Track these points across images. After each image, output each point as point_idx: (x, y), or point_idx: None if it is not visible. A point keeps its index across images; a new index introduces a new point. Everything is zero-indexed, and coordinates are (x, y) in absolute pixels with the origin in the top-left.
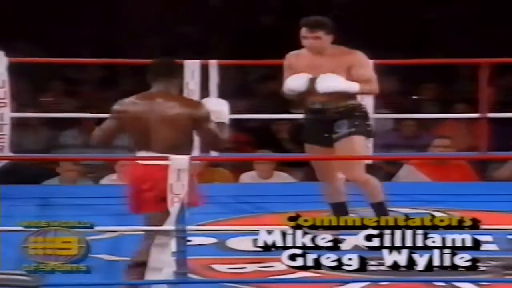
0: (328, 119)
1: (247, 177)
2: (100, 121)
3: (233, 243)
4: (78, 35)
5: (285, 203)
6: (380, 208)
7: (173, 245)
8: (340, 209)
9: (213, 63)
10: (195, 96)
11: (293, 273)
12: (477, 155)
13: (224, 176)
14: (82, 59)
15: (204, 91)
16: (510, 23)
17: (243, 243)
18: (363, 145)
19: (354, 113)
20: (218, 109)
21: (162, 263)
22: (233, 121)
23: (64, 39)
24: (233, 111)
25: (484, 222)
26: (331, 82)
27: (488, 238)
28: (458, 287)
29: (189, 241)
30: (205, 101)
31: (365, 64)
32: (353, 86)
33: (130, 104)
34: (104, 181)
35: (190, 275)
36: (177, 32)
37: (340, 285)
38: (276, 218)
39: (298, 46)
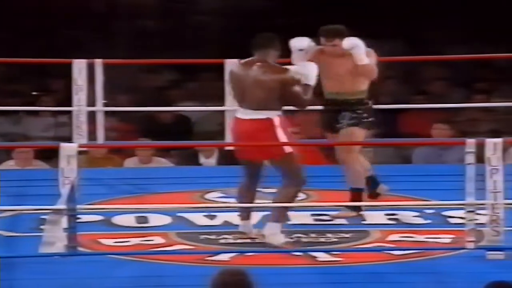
0: (336, 109)
1: (130, 162)
2: None
3: (118, 220)
4: None
5: (163, 185)
6: (354, 193)
7: (64, 222)
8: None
9: (98, 62)
10: (83, 91)
11: (170, 245)
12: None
13: (115, 162)
14: None
15: (91, 87)
16: None
17: (127, 220)
18: (360, 135)
19: (358, 106)
20: (306, 73)
21: (55, 238)
22: (118, 113)
23: None
24: (118, 104)
25: (334, 199)
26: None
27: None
28: (313, 256)
29: (78, 218)
30: (295, 65)
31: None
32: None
33: (235, 68)
34: (2, 166)
35: (79, 249)
36: (67, 34)
37: (211, 256)
38: (155, 198)
39: (175, 44)
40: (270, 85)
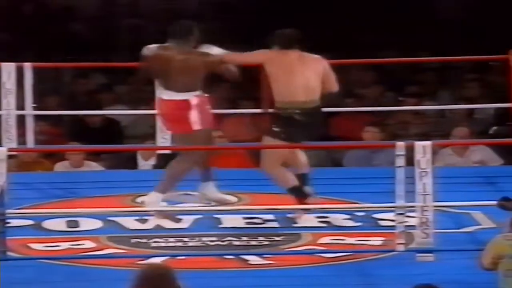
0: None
1: (60, 166)
2: None
3: (48, 224)
4: None
5: (94, 189)
6: (292, 195)
7: None
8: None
9: (27, 65)
10: (12, 95)
11: (101, 249)
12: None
13: (45, 166)
14: None
15: (20, 90)
16: None
17: (57, 224)
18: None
19: (277, 116)
20: (212, 52)
21: None
22: (48, 117)
23: None
24: (47, 108)
25: (264, 202)
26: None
27: (270, 216)
28: (245, 259)
29: (8, 223)
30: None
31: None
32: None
33: (155, 51)
34: None
35: (9, 253)
36: None
37: (143, 260)
38: (86, 202)
39: (106, 47)
40: (194, 68)
